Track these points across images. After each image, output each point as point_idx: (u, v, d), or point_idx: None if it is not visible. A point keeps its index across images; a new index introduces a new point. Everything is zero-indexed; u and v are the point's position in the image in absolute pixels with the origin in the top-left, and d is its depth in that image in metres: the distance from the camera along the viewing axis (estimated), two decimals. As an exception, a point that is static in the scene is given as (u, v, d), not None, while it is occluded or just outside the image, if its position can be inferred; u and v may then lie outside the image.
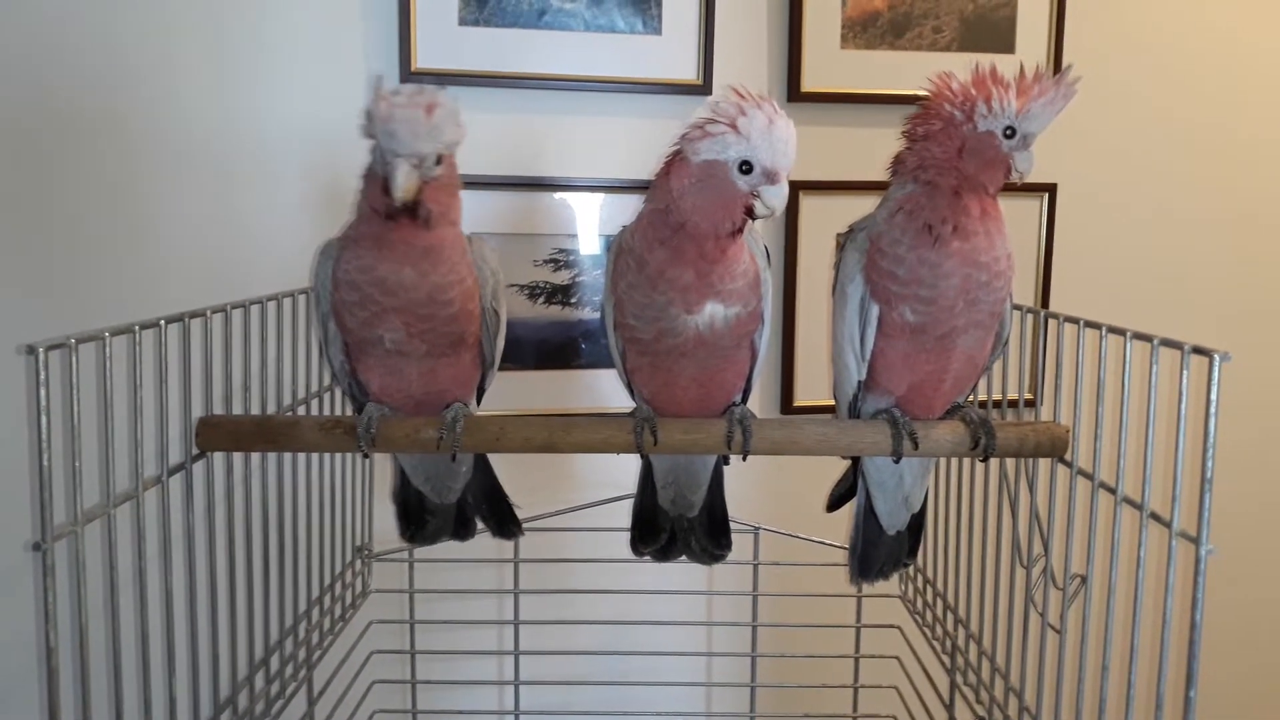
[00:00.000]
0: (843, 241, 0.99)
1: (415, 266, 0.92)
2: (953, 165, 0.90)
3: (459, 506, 1.22)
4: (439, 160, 0.89)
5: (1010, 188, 0.94)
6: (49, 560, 0.71)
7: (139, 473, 0.83)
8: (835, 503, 1.22)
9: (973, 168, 0.90)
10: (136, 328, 0.83)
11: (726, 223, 0.87)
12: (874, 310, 0.94)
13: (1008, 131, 0.89)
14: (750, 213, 0.87)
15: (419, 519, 1.22)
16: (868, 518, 1.16)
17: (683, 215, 0.87)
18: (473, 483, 1.20)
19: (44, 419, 0.70)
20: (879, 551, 1.18)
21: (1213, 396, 0.73)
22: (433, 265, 0.93)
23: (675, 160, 0.89)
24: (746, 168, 0.85)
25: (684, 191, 0.86)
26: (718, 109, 0.85)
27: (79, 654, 0.76)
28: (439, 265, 0.93)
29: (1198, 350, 0.76)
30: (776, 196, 0.86)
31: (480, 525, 1.26)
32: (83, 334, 0.75)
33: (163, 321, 0.86)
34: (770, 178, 0.85)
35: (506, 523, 1.24)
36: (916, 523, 1.19)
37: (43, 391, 0.70)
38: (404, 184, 0.86)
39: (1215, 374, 0.73)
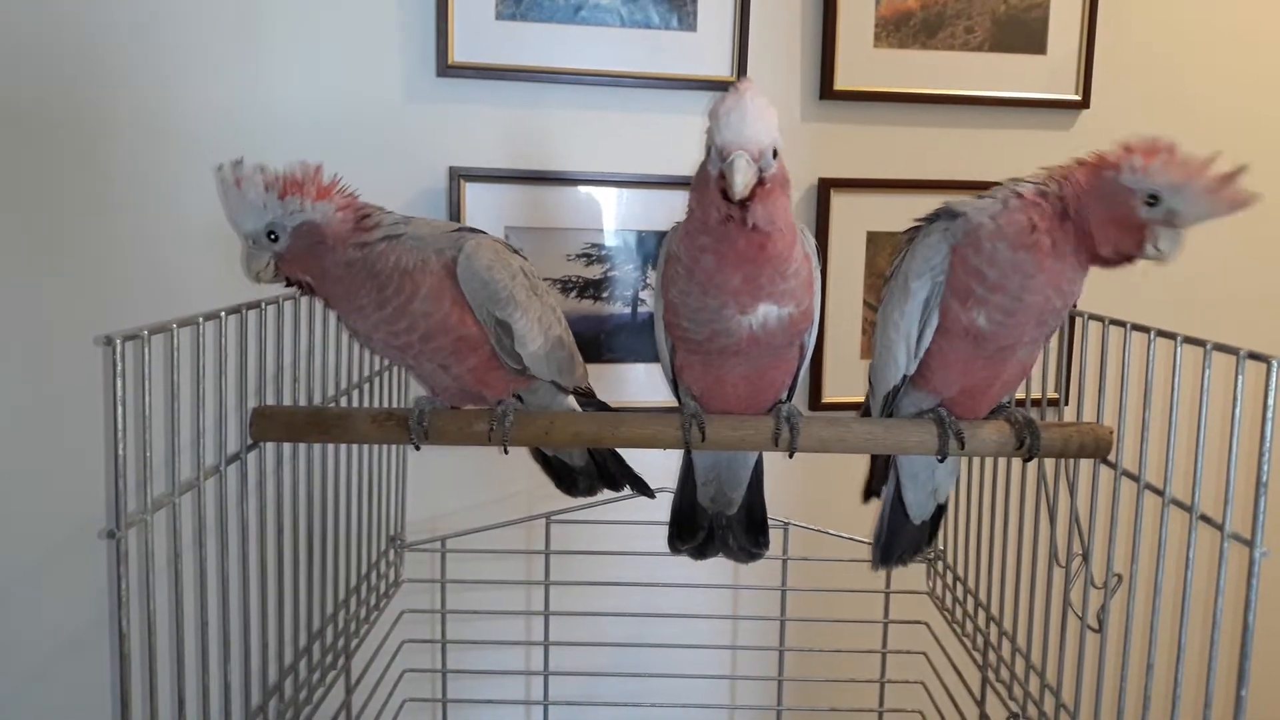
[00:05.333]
0: (914, 231, 0.97)
1: (365, 298, 0.94)
2: (1078, 191, 0.89)
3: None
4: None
5: None
6: (122, 547, 0.72)
7: (200, 463, 0.84)
8: (871, 493, 1.23)
9: (1091, 205, 0.88)
10: (200, 319, 0.83)
11: (712, 210, 0.85)
12: (936, 313, 0.94)
13: (1150, 199, 0.85)
14: (725, 195, 0.84)
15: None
16: (895, 506, 1.19)
17: (698, 217, 0.88)
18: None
19: (120, 409, 0.70)
20: (902, 539, 1.21)
21: (1270, 401, 0.74)
22: (387, 294, 0.94)
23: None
24: (715, 151, 0.84)
25: (691, 194, 0.89)
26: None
27: (147, 640, 0.77)
28: (393, 293, 0.94)
29: (1254, 356, 0.77)
30: (731, 169, 0.82)
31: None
32: (154, 325, 0.76)
33: (223, 313, 0.87)
34: (722, 155, 0.83)
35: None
36: (938, 512, 1.21)
37: (119, 382, 0.71)
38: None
39: (1274, 379, 0.74)
